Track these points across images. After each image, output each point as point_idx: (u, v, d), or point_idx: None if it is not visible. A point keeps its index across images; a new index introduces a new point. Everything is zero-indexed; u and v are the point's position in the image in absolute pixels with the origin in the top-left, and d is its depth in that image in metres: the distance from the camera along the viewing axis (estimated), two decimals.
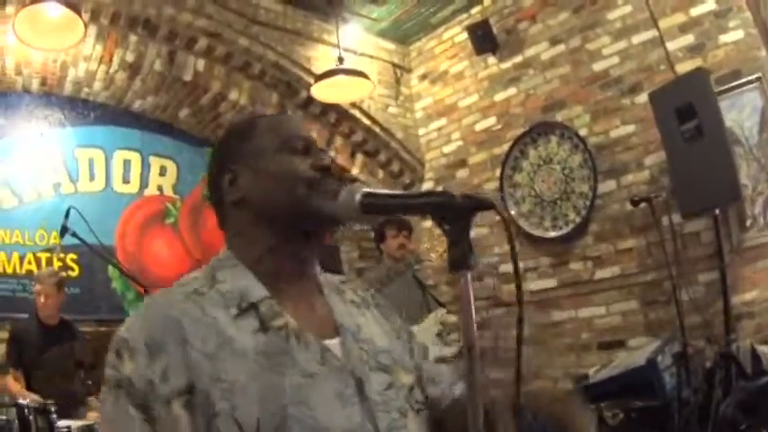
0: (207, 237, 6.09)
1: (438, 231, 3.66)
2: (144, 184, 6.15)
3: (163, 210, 6.14)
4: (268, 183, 1.21)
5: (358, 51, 6.17)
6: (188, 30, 5.50)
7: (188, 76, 5.64)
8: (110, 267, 5.58)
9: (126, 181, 6.07)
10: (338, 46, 5.61)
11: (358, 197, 1.08)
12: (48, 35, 4.68)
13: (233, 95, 5.77)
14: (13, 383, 4.30)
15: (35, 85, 5.84)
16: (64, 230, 4.11)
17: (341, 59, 5.38)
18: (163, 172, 6.25)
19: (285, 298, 1.17)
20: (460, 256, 0.95)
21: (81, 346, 4.34)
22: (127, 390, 1.02)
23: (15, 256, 5.40)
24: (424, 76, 6.49)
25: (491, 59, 6.05)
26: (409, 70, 6.50)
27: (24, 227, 5.50)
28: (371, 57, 6.30)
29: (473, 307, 0.92)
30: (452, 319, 4.38)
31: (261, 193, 1.21)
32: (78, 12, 4.67)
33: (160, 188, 6.21)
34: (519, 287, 0.97)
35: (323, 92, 5.43)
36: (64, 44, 4.89)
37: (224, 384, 1.02)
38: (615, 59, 5.35)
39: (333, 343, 1.15)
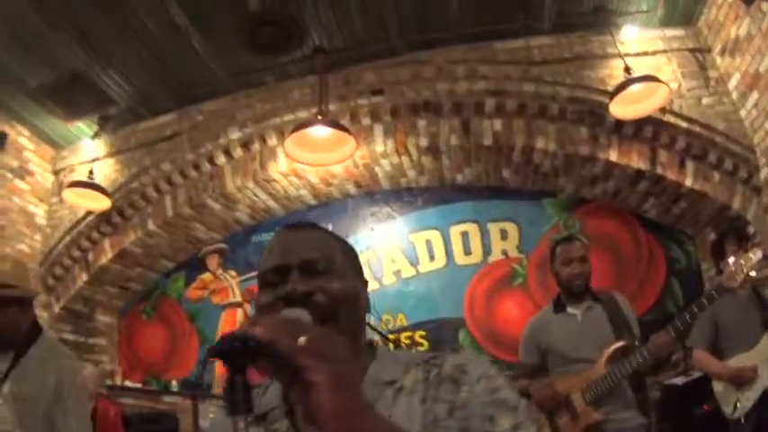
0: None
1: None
2: (487, 251, 6.80)
3: (509, 272, 6.69)
4: None
5: (649, 51, 6.11)
6: (470, 97, 6.10)
7: (488, 141, 6.15)
8: (460, 335, 6.55)
9: (467, 252, 6.84)
10: (620, 55, 5.73)
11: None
12: (321, 152, 5.86)
13: (540, 144, 6.08)
14: None
15: (351, 189, 7.09)
16: None
17: (627, 69, 5.49)
18: (504, 235, 6.82)
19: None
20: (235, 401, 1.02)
21: None
22: None
23: None
24: (723, 51, 6.03)
25: (764, 5, 5.44)
26: (709, 50, 6.14)
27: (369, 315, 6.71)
28: (665, 51, 6.14)
29: None
30: None
31: None
32: (342, 128, 5.71)
33: (504, 252, 6.78)
34: None
35: (622, 109, 5.49)
36: (341, 157, 5.97)
37: None
38: None
39: None
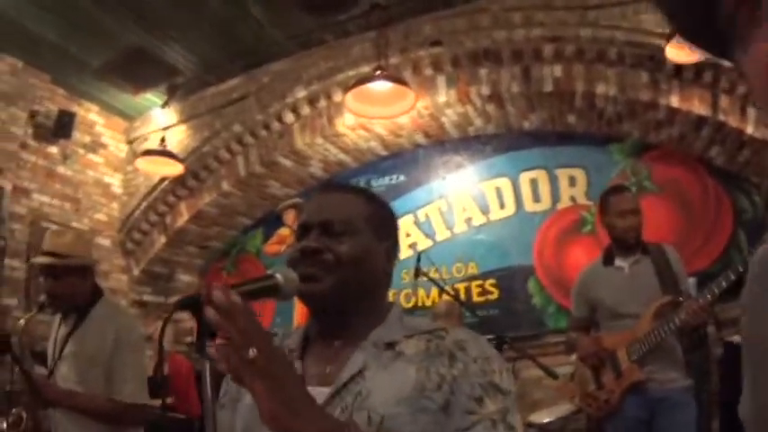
0: None
1: None
2: (555, 198, 6.91)
3: (578, 220, 6.77)
4: None
5: None
6: (528, 44, 6.20)
7: (549, 87, 6.27)
8: (529, 284, 6.74)
9: (536, 200, 6.99)
10: None
11: None
12: (382, 105, 6.12)
13: (601, 89, 6.12)
14: None
15: (420, 139, 7.37)
16: (417, 273, 5.11)
17: None
18: (572, 182, 6.90)
19: (313, 351, 1.66)
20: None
21: None
22: None
23: (434, 291, 6.88)
24: None
25: None
26: None
27: (440, 263, 6.77)
28: None
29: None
30: None
31: None
32: (400, 81, 5.94)
33: (573, 198, 6.87)
34: None
35: (679, 53, 5.42)
36: (402, 109, 6.20)
37: (240, 408, 1.64)
38: None
39: (321, 390, 1.51)
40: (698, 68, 5.82)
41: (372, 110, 6.22)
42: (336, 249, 1.61)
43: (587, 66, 6.20)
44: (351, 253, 1.62)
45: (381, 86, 5.97)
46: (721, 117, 5.88)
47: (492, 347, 1.60)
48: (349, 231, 1.64)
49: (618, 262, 4.33)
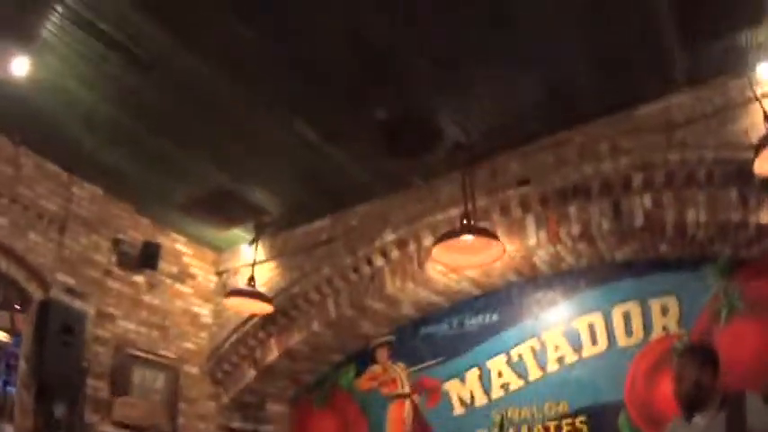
0: None
1: None
2: (648, 330, 6.76)
3: (670, 349, 6.50)
4: None
5: None
6: (616, 174, 6.18)
7: (640, 221, 6.18)
8: (620, 419, 6.60)
9: (629, 333, 6.86)
10: (757, 99, 5.45)
11: None
12: (470, 254, 6.27)
13: (691, 215, 5.98)
14: None
15: (512, 277, 7.44)
16: None
17: (767, 117, 5.14)
18: (665, 311, 6.74)
19: None
20: None
21: None
22: None
23: (524, 428, 6.99)
24: None
25: None
26: None
27: (532, 402, 7.05)
28: None
29: None
30: None
31: None
32: (488, 234, 6.05)
33: (665, 328, 6.69)
34: None
35: (765, 166, 5.14)
36: (491, 258, 6.33)
37: None
38: None
39: None
40: None
41: (461, 259, 6.38)
42: None
43: (677, 192, 6.09)
44: None
45: (469, 238, 6.08)
46: None
47: None
48: None
49: (696, 418, 4.28)
